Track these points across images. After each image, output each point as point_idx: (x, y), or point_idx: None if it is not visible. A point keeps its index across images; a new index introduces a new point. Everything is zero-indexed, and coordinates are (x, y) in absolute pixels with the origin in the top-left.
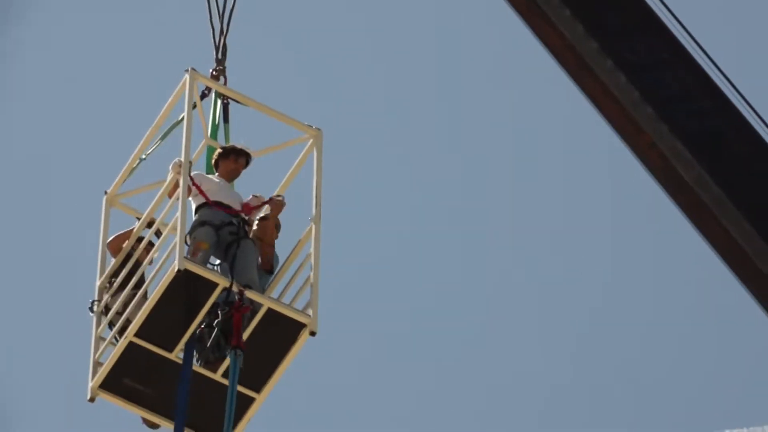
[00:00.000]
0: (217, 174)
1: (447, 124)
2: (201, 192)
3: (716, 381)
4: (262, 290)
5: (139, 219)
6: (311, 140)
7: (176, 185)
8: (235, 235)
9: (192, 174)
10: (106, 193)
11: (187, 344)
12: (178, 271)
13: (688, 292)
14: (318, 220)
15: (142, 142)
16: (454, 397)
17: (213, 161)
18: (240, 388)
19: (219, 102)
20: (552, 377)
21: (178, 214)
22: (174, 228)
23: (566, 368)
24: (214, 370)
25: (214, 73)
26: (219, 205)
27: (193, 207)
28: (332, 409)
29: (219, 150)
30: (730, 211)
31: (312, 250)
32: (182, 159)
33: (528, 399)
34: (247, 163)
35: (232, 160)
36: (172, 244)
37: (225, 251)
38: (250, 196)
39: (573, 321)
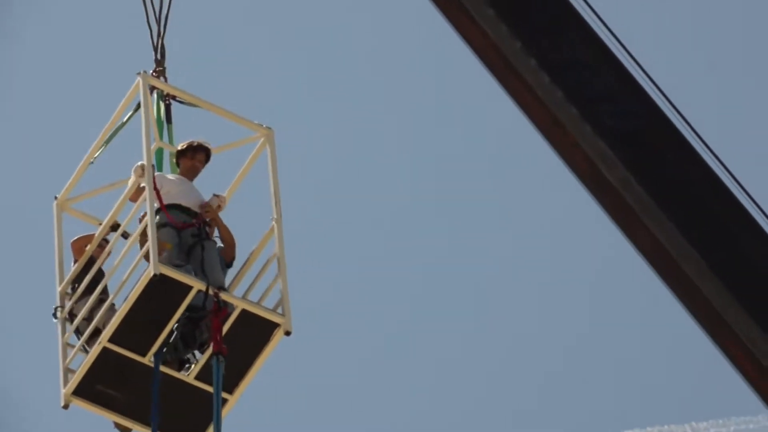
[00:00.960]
0: (178, 172)
1: (394, 117)
2: (159, 199)
3: (639, 380)
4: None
5: (95, 224)
6: (263, 139)
7: (138, 189)
8: (197, 237)
9: (156, 175)
10: (56, 198)
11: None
12: (154, 275)
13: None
14: (279, 219)
15: (93, 146)
16: (440, 396)
17: (175, 160)
18: (211, 389)
19: (162, 103)
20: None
21: (148, 218)
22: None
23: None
24: (176, 370)
25: (153, 74)
26: (178, 207)
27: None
28: (313, 409)
29: (179, 148)
30: (654, 212)
31: (277, 249)
32: (145, 162)
33: (518, 402)
34: (207, 159)
35: (189, 157)
36: (143, 249)
37: (187, 253)
38: (211, 195)
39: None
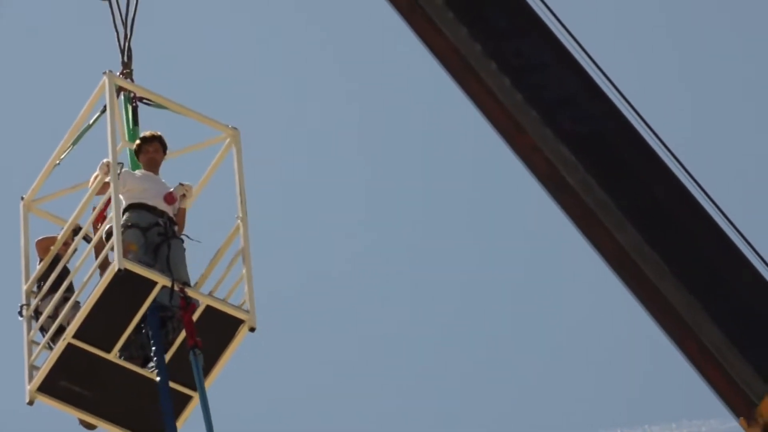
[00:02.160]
0: (140, 169)
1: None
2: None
3: (592, 383)
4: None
5: (62, 224)
6: (229, 139)
7: (104, 186)
8: (163, 236)
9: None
10: (22, 198)
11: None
12: (119, 270)
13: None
14: (245, 217)
15: (59, 147)
16: (414, 395)
17: (135, 155)
18: (177, 387)
19: (129, 106)
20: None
21: (113, 214)
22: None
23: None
24: (140, 366)
25: (120, 76)
26: (143, 206)
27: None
28: (278, 407)
29: (135, 145)
30: (613, 214)
31: (242, 247)
32: (110, 160)
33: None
34: (163, 147)
35: (144, 151)
36: (108, 245)
37: (154, 252)
38: (177, 185)
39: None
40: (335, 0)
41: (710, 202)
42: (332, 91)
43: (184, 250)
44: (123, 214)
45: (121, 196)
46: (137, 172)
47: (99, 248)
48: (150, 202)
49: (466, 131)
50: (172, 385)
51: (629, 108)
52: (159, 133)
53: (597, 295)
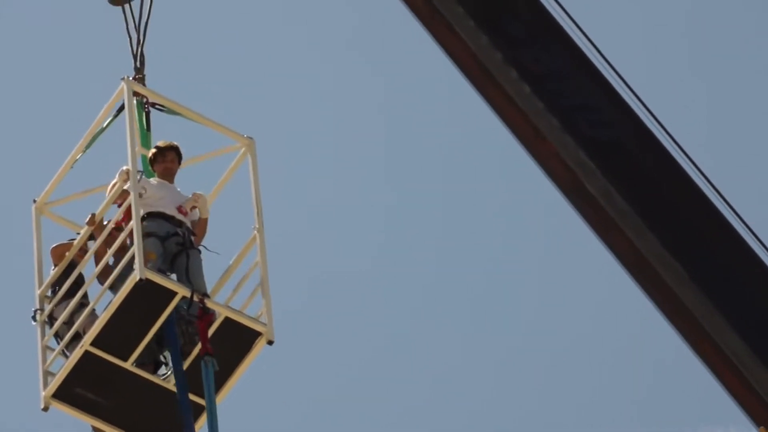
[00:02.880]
0: (156, 177)
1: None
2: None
3: (618, 386)
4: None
5: (74, 228)
6: (244, 149)
7: (123, 193)
8: (181, 246)
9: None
10: (35, 201)
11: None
12: (139, 280)
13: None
14: (261, 228)
15: (74, 150)
16: (429, 404)
17: (149, 165)
18: (192, 397)
19: (143, 111)
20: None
21: (133, 222)
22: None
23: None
24: (151, 371)
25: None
26: (161, 215)
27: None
28: (295, 417)
29: (149, 157)
30: (633, 222)
31: (259, 258)
32: (130, 167)
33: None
34: (179, 156)
35: (160, 160)
36: (128, 255)
37: (171, 262)
38: (191, 195)
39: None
40: (355, 6)
41: (730, 210)
42: (352, 98)
43: (201, 260)
44: (141, 222)
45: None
46: (153, 180)
47: (118, 255)
48: (168, 211)
49: (486, 137)
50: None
51: (649, 115)
52: (175, 143)
53: (614, 297)
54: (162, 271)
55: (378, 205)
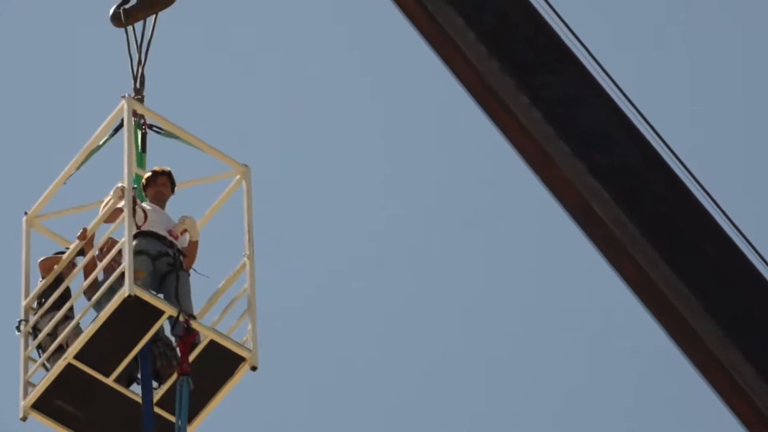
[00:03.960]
0: (147, 201)
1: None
2: (136, 224)
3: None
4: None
5: (63, 243)
6: (239, 176)
7: (116, 211)
8: (171, 266)
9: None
10: (26, 213)
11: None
12: (128, 296)
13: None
14: (252, 255)
15: (69, 165)
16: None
17: (142, 188)
18: (172, 418)
19: (139, 132)
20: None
21: (125, 238)
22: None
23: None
24: (125, 385)
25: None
26: (152, 234)
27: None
28: None
29: (143, 182)
30: (645, 249)
31: (248, 285)
32: (125, 184)
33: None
34: (172, 182)
35: (152, 185)
36: (118, 270)
37: (160, 282)
38: (179, 218)
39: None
40: (363, 28)
41: (743, 239)
42: (356, 124)
43: (190, 283)
44: (132, 240)
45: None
46: (145, 204)
47: (107, 271)
48: (159, 231)
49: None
50: (167, 415)
51: (660, 141)
52: (169, 169)
53: (612, 297)
54: (150, 290)
55: (370, 234)
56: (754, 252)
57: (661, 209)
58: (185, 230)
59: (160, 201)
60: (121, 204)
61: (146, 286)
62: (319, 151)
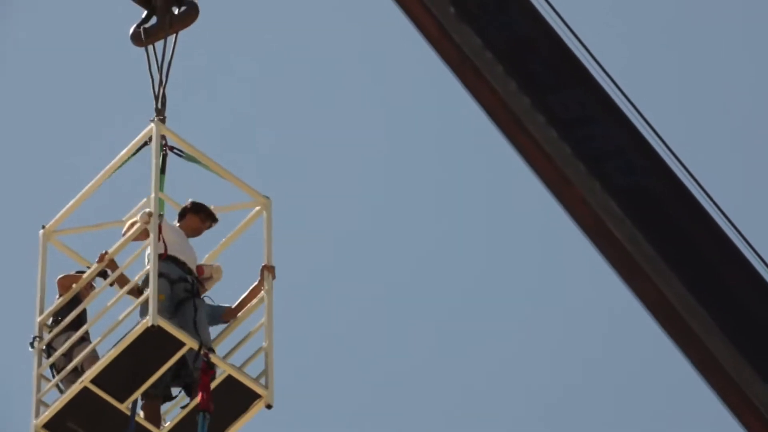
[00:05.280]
0: (178, 225)
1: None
2: (164, 245)
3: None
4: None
5: (79, 260)
6: (259, 207)
7: (142, 234)
8: (189, 292)
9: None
10: (43, 227)
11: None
12: (152, 326)
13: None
14: (270, 290)
15: (91, 184)
16: None
17: (180, 212)
18: None
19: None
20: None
21: (150, 266)
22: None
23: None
24: (160, 404)
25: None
26: (175, 260)
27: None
28: None
29: (188, 204)
30: (661, 269)
31: (265, 320)
32: (152, 210)
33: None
34: (210, 227)
35: (200, 219)
36: (142, 297)
37: (176, 307)
38: (203, 260)
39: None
40: (381, 50)
41: (756, 256)
42: (373, 153)
43: (207, 311)
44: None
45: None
46: (173, 223)
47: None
48: (181, 257)
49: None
50: None
51: (676, 161)
52: (218, 216)
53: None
54: (166, 315)
55: (390, 270)
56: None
57: (677, 229)
58: (211, 277)
59: (193, 234)
60: (143, 223)
61: (164, 310)
62: (346, 186)
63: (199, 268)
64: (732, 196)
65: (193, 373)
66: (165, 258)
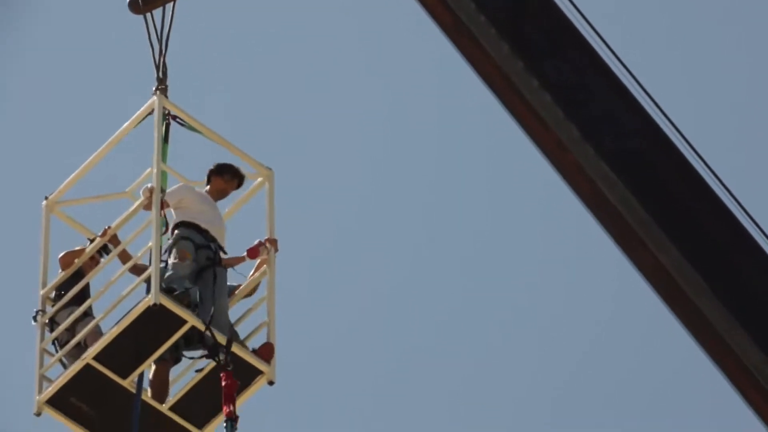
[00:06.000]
0: (206, 189)
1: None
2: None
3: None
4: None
5: (82, 231)
6: (261, 178)
7: (149, 207)
8: (210, 260)
9: (181, 185)
10: (46, 198)
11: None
12: (153, 304)
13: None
14: (272, 264)
15: (94, 155)
16: None
17: (206, 176)
18: (184, 423)
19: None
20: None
21: (152, 243)
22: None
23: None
24: (171, 366)
25: (156, 92)
26: (197, 227)
27: (173, 216)
28: None
29: (214, 166)
30: (655, 233)
31: (267, 294)
32: (154, 185)
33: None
34: (238, 186)
35: (224, 180)
36: (145, 274)
37: (198, 273)
38: (257, 241)
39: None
40: (380, 23)
41: (752, 223)
42: (374, 127)
43: (227, 282)
44: (175, 228)
45: (173, 210)
46: (197, 188)
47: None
48: (203, 225)
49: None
50: (181, 422)
51: (670, 125)
52: (243, 173)
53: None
54: (187, 287)
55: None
56: (763, 236)
57: (671, 193)
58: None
59: (219, 196)
60: (145, 199)
61: (192, 269)
62: (347, 157)
63: (253, 251)
64: (726, 161)
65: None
66: (185, 224)
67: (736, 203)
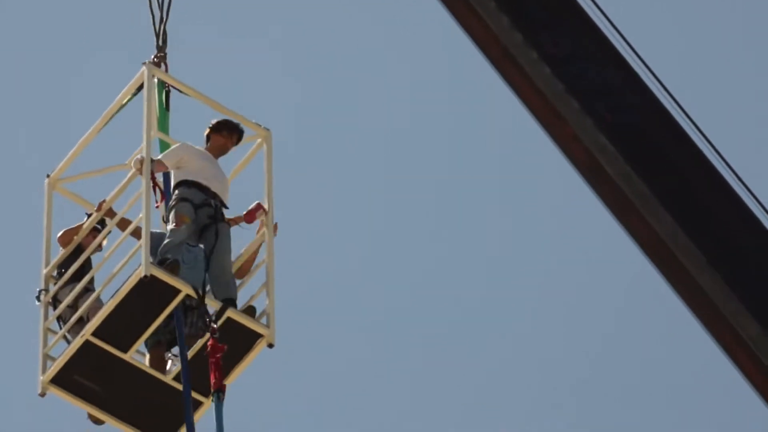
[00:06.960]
0: (206, 147)
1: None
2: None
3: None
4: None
5: (86, 206)
6: (260, 140)
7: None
8: (212, 218)
9: (179, 144)
10: (48, 176)
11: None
12: (144, 276)
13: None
14: (271, 225)
15: (91, 130)
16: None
17: (205, 134)
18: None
19: (163, 90)
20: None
21: (142, 215)
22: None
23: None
24: (165, 349)
25: (155, 60)
26: (197, 185)
27: (172, 178)
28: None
29: (211, 124)
30: (653, 206)
31: (266, 257)
32: (144, 156)
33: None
34: (238, 140)
35: (223, 136)
36: (136, 246)
37: (200, 232)
38: (254, 204)
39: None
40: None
41: (750, 195)
42: (370, 91)
43: (230, 237)
44: (175, 189)
45: (173, 171)
46: (197, 147)
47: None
48: (204, 182)
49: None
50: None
51: (669, 98)
52: (242, 128)
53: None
54: (190, 245)
55: (393, 205)
56: (761, 208)
57: (668, 165)
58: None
59: (219, 153)
60: (136, 171)
61: (191, 232)
62: (344, 118)
63: (249, 215)
64: (724, 132)
65: (196, 323)
66: (186, 183)
67: (734, 175)
